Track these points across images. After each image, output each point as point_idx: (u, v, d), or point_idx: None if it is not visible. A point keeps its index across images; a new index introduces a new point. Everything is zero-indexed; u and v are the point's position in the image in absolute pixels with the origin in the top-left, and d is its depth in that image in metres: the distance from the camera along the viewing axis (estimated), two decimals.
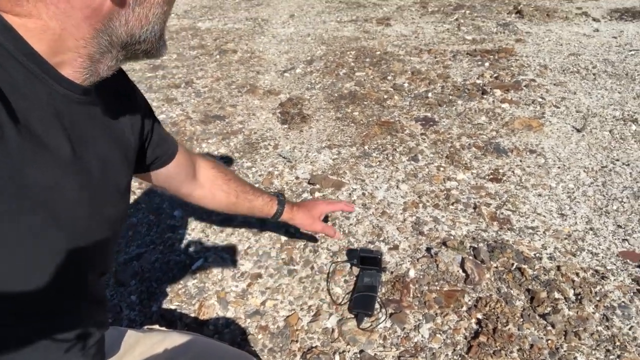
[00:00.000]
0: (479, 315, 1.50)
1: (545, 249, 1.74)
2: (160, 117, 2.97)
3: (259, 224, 1.96)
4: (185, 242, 1.89)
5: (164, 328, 1.07)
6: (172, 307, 1.58)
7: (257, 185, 2.21)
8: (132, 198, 2.19)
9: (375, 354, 1.39)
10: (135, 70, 3.78)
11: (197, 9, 5.71)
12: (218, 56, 4.03)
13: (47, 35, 0.54)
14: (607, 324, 1.45)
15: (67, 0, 0.53)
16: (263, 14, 5.32)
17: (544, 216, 1.92)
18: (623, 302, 1.53)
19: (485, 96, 2.93)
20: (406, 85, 3.23)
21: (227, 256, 1.80)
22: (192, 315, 1.55)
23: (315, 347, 1.42)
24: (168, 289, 1.65)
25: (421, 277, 1.64)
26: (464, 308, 1.53)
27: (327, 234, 1.50)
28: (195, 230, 1.95)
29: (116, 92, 0.77)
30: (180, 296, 1.63)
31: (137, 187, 2.26)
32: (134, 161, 0.85)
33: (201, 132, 2.74)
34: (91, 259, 0.71)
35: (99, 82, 0.65)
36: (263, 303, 1.58)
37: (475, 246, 1.74)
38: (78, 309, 0.73)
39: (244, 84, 3.42)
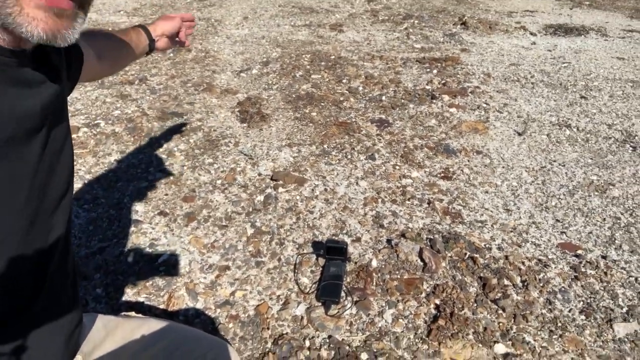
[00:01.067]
0: (437, 301, 1.61)
1: (494, 240, 1.89)
2: (115, 112, 2.91)
3: (225, 218, 1.99)
4: (149, 236, 1.88)
5: (140, 315, 1.08)
6: (141, 299, 1.58)
7: (219, 182, 2.24)
8: (91, 193, 2.15)
9: (343, 339, 1.47)
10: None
11: (148, 7, 5.59)
12: (171, 54, 3.98)
13: None
14: (550, 307, 1.61)
15: None
16: (216, 15, 5.31)
17: (491, 211, 2.08)
18: (563, 287, 1.69)
19: (434, 101, 3.11)
20: (361, 88, 3.36)
21: (193, 249, 1.81)
22: (162, 306, 1.56)
23: (286, 333, 1.48)
24: (135, 282, 1.65)
25: (383, 266, 1.74)
26: (423, 295, 1.64)
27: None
28: (159, 225, 1.95)
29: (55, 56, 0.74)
30: (148, 288, 1.63)
31: (95, 183, 2.22)
32: (67, 106, 0.82)
33: (159, 129, 2.72)
34: (51, 216, 0.72)
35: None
36: (232, 294, 1.62)
37: (432, 237, 1.87)
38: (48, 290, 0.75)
39: (200, 83, 3.41)
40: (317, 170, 2.35)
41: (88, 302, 1.57)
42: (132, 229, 1.92)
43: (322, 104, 3.10)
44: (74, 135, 2.60)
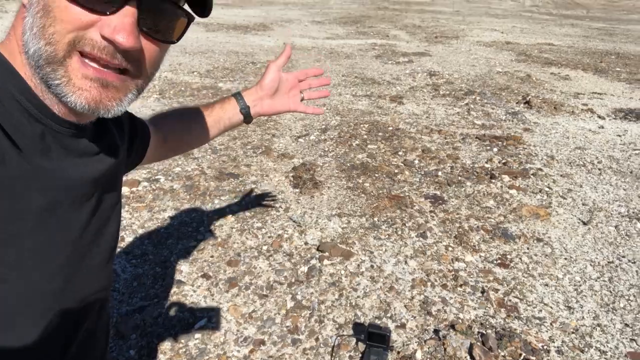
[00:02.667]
0: None
1: (553, 342, 1.72)
2: (176, 169, 3.03)
3: (267, 287, 1.95)
4: (190, 299, 1.87)
5: None
6: None
7: (265, 248, 2.22)
8: (141, 249, 2.19)
9: None
10: None
11: (219, 70, 5.97)
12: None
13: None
14: None
15: (29, 28, 0.53)
16: None
17: (551, 307, 1.91)
18: None
19: (493, 180, 3.00)
20: (417, 162, 3.32)
21: (231, 318, 1.77)
22: None
23: None
24: (169, 347, 1.62)
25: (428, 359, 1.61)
26: None
27: (314, 113, 1.19)
28: (201, 288, 1.94)
29: (115, 131, 0.77)
30: (180, 356, 1.59)
31: (146, 239, 2.27)
32: (121, 178, 0.82)
33: (214, 189, 2.79)
34: (89, 279, 0.71)
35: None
36: None
37: (484, 332, 1.72)
38: (76, 333, 0.73)
39: (259, 145, 3.51)
40: (365, 245, 2.29)
41: None
42: (174, 289, 1.92)
43: (376, 174, 3.08)
44: (133, 189, 2.72)
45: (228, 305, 1.84)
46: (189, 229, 2.37)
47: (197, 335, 1.68)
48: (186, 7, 0.61)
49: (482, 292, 1.97)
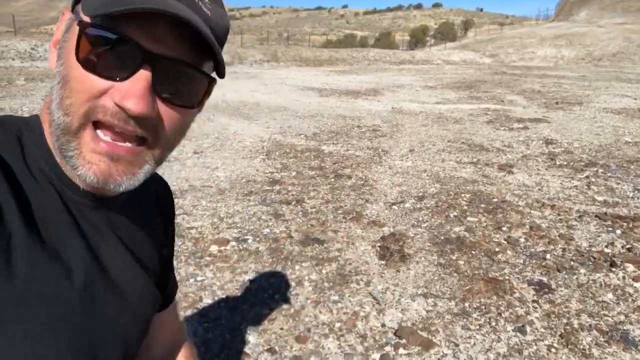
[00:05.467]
0: None
1: None
2: (265, 230, 3.06)
3: None
4: None
5: None
6: None
7: (338, 326, 2.08)
8: (215, 312, 2.18)
9: None
10: (257, 181, 4.06)
11: (325, 133, 6.14)
12: (333, 179, 4.18)
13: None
14: None
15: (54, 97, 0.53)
16: (384, 145, 5.53)
17: None
18: None
19: (613, 269, 2.55)
20: (522, 240, 2.97)
21: None
22: None
23: None
24: None
25: None
26: None
27: None
28: None
29: (152, 211, 0.73)
30: None
31: (222, 302, 2.26)
32: (156, 286, 0.72)
33: (297, 254, 2.74)
34: None
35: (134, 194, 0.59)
36: None
37: None
38: None
39: (350, 210, 3.44)
40: (450, 334, 2.03)
41: None
42: None
43: (473, 252, 2.81)
44: (222, 248, 2.78)
45: None
46: (265, 295, 2.32)
47: None
48: (206, 69, 0.56)
49: None
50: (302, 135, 6.00)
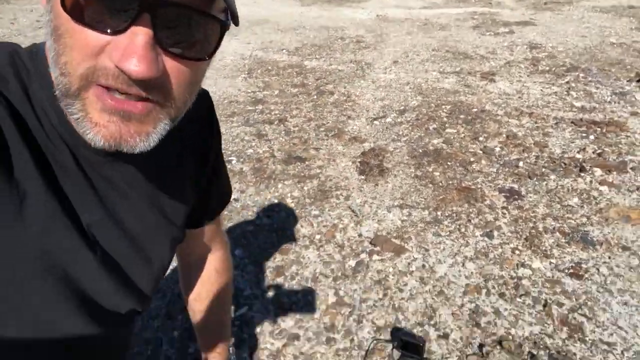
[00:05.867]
0: None
1: None
2: (249, 151, 3.12)
3: (312, 279, 1.95)
4: (236, 285, 1.93)
5: None
6: None
7: (318, 238, 2.22)
8: None
9: None
10: (239, 102, 4.04)
11: (308, 47, 5.97)
12: (315, 96, 4.16)
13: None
14: None
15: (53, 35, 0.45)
16: (368, 58, 5.41)
17: (626, 332, 1.67)
18: None
19: (582, 174, 2.67)
20: (497, 149, 3.06)
21: (271, 308, 1.81)
22: None
23: None
24: None
25: None
26: None
27: None
28: (250, 274, 2.00)
29: (182, 152, 0.68)
30: None
31: None
32: (182, 229, 0.72)
33: (280, 172, 2.83)
34: (110, 333, 0.65)
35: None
36: None
37: (535, 353, 1.57)
38: None
39: (332, 128, 3.48)
40: (422, 241, 2.18)
41: (163, 343, 1.66)
42: None
43: (449, 163, 2.90)
44: None
45: (272, 295, 1.88)
46: (249, 213, 2.43)
47: (237, 323, 1.74)
48: (216, 13, 0.47)
49: (544, 306, 1.79)
50: (284, 51, 5.84)
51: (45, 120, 0.50)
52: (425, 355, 1.54)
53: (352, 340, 1.66)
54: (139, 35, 0.41)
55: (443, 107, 3.80)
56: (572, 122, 3.37)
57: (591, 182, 2.61)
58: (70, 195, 0.52)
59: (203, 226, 0.85)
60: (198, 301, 0.97)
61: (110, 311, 0.60)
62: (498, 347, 1.60)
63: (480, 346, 1.61)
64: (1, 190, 0.45)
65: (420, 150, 3.08)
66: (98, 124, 0.45)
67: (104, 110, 0.45)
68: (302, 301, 1.84)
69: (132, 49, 0.41)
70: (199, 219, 0.81)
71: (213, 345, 1.06)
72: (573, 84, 4.09)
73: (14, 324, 0.51)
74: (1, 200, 0.45)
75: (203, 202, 0.77)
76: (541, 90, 4.07)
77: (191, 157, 0.70)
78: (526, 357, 1.56)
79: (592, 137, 3.13)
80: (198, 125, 0.70)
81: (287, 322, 1.74)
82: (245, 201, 2.55)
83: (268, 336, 1.68)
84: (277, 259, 2.08)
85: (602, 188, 2.54)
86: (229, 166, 2.90)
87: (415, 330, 1.68)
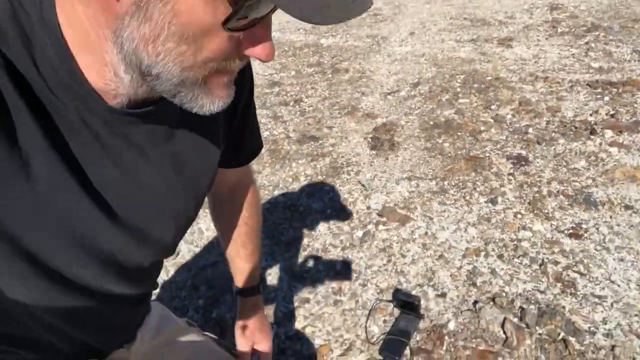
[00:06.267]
0: None
1: (605, 324, 1.60)
2: (265, 133, 3.27)
3: (322, 249, 2.11)
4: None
5: (198, 329, 1.19)
6: (228, 317, 1.81)
7: (328, 212, 2.36)
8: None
9: None
10: (257, 85, 4.19)
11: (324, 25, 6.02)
12: (330, 75, 4.25)
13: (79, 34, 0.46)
14: None
15: None
16: (384, 31, 5.43)
17: (618, 285, 1.75)
18: None
19: (592, 137, 2.69)
20: (509, 117, 3.09)
21: (285, 277, 1.98)
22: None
23: None
24: (228, 300, 1.89)
25: (460, 331, 1.64)
26: None
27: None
28: (265, 247, 2.17)
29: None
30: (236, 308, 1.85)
31: None
32: (209, 183, 0.73)
33: (294, 152, 2.98)
34: (134, 286, 0.69)
35: None
36: (303, 328, 1.73)
37: (525, 307, 1.68)
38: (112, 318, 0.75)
39: (346, 105, 3.58)
40: (427, 210, 2.29)
41: (189, 309, 1.87)
42: None
43: (459, 133, 2.97)
44: None
45: (285, 264, 2.05)
46: (265, 192, 2.60)
47: None
48: None
49: (540, 265, 1.88)
50: (301, 30, 5.91)
51: (50, 74, 0.47)
52: (422, 312, 1.68)
53: (357, 301, 1.82)
54: (269, 22, 0.46)
55: (457, 77, 3.83)
56: (587, 85, 3.34)
57: (601, 144, 2.63)
58: (78, 155, 0.51)
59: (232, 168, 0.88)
60: (229, 231, 1.02)
61: (132, 267, 0.63)
62: (491, 302, 1.72)
63: (475, 303, 1.73)
64: (6, 156, 0.45)
65: (432, 123, 3.15)
66: (220, 95, 0.50)
67: (226, 86, 0.51)
68: (313, 269, 2.01)
69: (265, 36, 0.46)
70: (227, 164, 0.83)
71: (245, 282, 1.09)
72: (592, 44, 4.00)
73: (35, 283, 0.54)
74: (7, 164, 0.45)
75: (233, 152, 0.80)
76: (559, 53, 4.02)
77: (222, 117, 0.69)
78: (517, 311, 1.67)
79: (606, 98, 3.11)
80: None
81: (299, 288, 1.91)
82: (262, 181, 2.72)
83: (282, 301, 1.86)
84: (290, 233, 2.25)
85: (611, 149, 2.56)
86: None
87: (414, 291, 1.81)
